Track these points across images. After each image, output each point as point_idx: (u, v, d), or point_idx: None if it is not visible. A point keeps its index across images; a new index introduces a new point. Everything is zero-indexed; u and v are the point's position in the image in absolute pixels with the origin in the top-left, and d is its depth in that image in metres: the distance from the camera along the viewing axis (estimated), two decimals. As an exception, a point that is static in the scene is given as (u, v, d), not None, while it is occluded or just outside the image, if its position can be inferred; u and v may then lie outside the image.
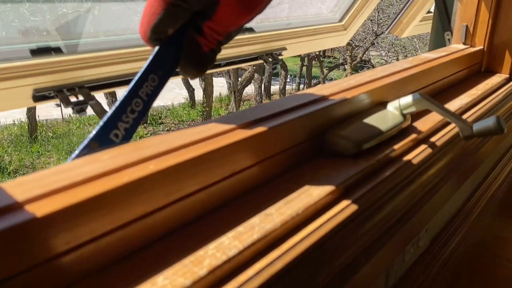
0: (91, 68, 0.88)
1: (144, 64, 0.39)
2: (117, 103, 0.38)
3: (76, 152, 0.35)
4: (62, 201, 0.28)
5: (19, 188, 0.28)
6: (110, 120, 0.37)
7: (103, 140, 0.36)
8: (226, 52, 1.19)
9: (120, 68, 0.92)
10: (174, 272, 0.30)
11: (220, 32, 0.39)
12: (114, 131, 0.37)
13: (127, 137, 0.38)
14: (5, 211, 0.26)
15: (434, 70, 0.79)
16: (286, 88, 12.75)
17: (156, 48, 0.40)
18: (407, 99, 0.59)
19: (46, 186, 0.29)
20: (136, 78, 0.39)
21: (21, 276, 0.26)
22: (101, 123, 0.37)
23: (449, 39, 1.16)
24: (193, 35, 0.40)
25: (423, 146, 0.59)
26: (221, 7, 0.37)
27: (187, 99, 11.45)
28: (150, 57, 0.40)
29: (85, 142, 0.36)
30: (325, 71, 12.90)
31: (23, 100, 0.82)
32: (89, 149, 0.35)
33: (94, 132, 0.36)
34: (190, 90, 10.84)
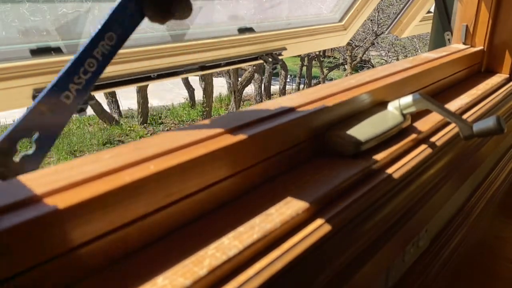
0: (91, 68, 0.88)
1: (100, 21, 0.36)
2: (67, 65, 0.36)
3: (22, 116, 0.33)
4: (62, 201, 0.28)
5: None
6: (59, 82, 0.35)
7: (53, 102, 0.35)
8: (226, 52, 1.19)
9: (120, 68, 0.92)
10: (174, 272, 0.30)
11: None
12: (65, 92, 0.35)
13: (79, 99, 0.36)
14: (4, 209, 0.26)
15: (434, 70, 0.79)
16: (286, 88, 12.74)
17: (117, 2, 0.36)
18: (407, 99, 0.59)
19: (46, 185, 0.29)
20: (91, 37, 0.36)
21: (27, 273, 0.26)
22: (49, 85, 0.35)
23: (449, 39, 1.15)
24: None
25: (423, 146, 0.59)
26: None
27: (187, 99, 11.44)
28: (108, 13, 0.37)
29: (33, 105, 0.34)
30: (325, 71, 12.89)
31: (23, 100, 0.82)
32: (39, 112, 0.33)
33: (42, 94, 0.34)
34: (190, 90, 10.83)
